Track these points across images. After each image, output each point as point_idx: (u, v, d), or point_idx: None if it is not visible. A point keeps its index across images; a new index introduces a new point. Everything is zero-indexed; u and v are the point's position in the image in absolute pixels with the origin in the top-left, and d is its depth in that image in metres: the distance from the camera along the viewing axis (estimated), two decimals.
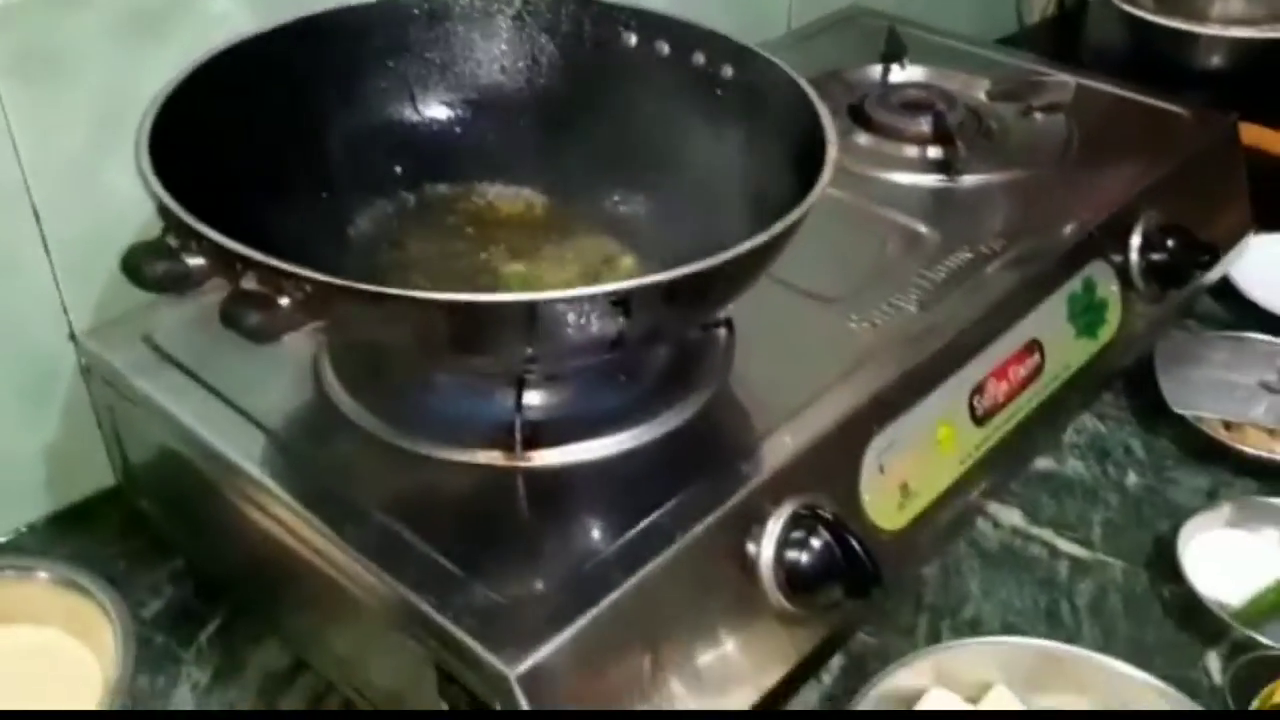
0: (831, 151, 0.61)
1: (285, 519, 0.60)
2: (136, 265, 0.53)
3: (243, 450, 0.63)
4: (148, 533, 0.77)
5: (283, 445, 0.64)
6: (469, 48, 0.77)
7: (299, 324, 0.51)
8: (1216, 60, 1.30)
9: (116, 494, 0.80)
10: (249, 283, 0.51)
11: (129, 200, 0.69)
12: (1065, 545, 0.81)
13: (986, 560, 0.79)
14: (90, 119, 0.71)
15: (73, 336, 0.75)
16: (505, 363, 0.58)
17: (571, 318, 0.51)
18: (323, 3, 0.74)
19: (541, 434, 0.63)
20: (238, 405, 0.66)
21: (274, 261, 0.50)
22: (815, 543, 0.61)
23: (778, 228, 0.55)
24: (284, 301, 0.50)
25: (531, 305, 0.50)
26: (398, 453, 0.63)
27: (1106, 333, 0.86)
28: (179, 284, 0.53)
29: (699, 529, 0.59)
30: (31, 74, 0.68)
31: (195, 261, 0.53)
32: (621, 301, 0.52)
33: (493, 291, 0.66)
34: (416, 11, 0.75)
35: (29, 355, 0.74)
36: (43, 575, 0.67)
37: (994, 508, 0.82)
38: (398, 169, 0.76)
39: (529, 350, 0.53)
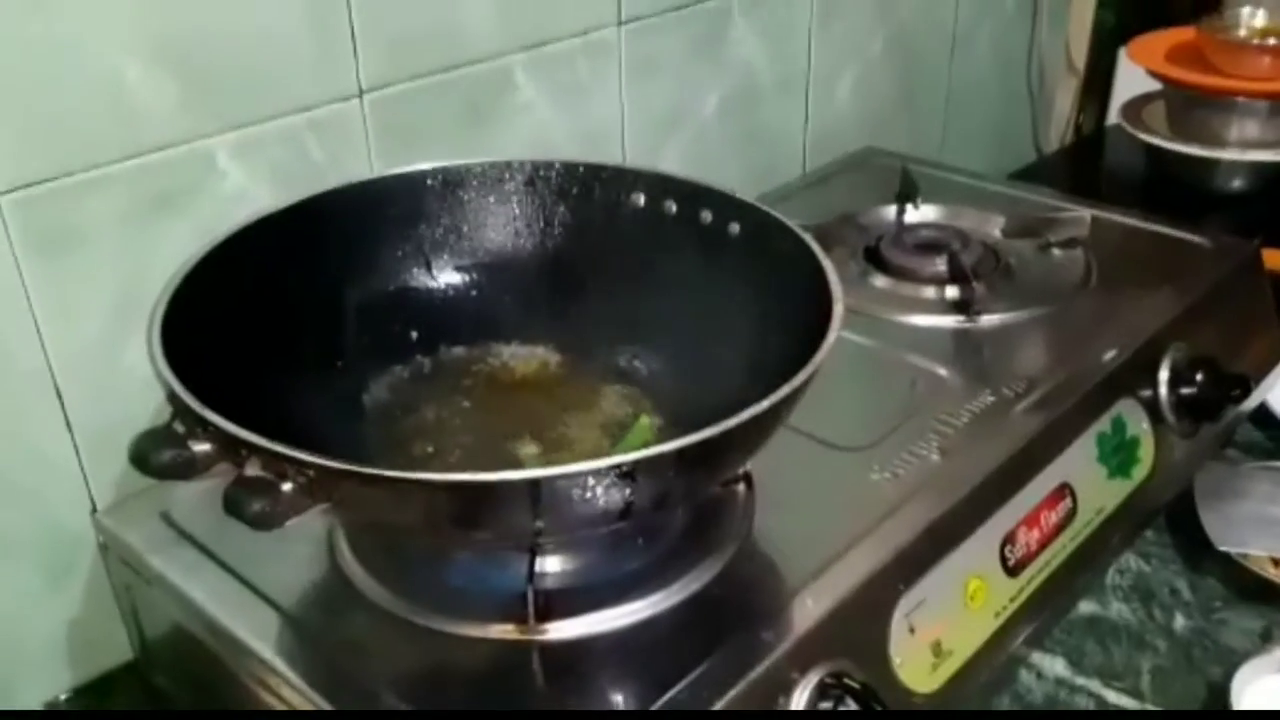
0: (838, 309, 0.61)
1: (296, 703, 0.59)
2: (143, 454, 0.53)
3: (254, 630, 0.62)
4: (170, 707, 0.76)
5: (295, 623, 0.63)
6: (482, 213, 0.78)
7: (303, 508, 0.51)
8: (1237, 184, 1.30)
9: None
10: (253, 468, 0.51)
11: (149, 380, 0.69)
12: (1114, 696, 0.78)
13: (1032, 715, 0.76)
14: (110, 300, 0.72)
15: (95, 512, 0.75)
16: (513, 538, 0.57)
17: (577, 492, 0.51)
18: (338, 176, 0.77)
19: (556, 604, 0.61)
20: (251, 582, 0.65)
21: (274, 446, 0.50)
22: (844, 713, 0.59)
23: (783, 391, 0.54)
24: (286, 487, 0.50)
25: (535, 482, 0.49)
26: (410, 628, 0.62)
27: (1140, 471, 0.84)
28: (185, 471, 0.53)
29: (722, 704, 0.56)
30: (53, 255, 0.69)
31: (201, 447, 0.53)
32: (628, 473, 0.51)
33: (511, 459, 0.65)
34: (430, 182, 0.77)
35: (52, 531, 0.74)
36: None
37: (1036, 657, 0.79)
38: (413, 334, 0.76)
39: (537, 524, 0.52)
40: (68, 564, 0.76)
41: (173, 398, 0.54)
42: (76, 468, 0.75)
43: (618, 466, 0.50)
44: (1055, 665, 0.80)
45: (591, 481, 0.50)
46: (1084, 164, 1.50)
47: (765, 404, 0.54)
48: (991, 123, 1.45)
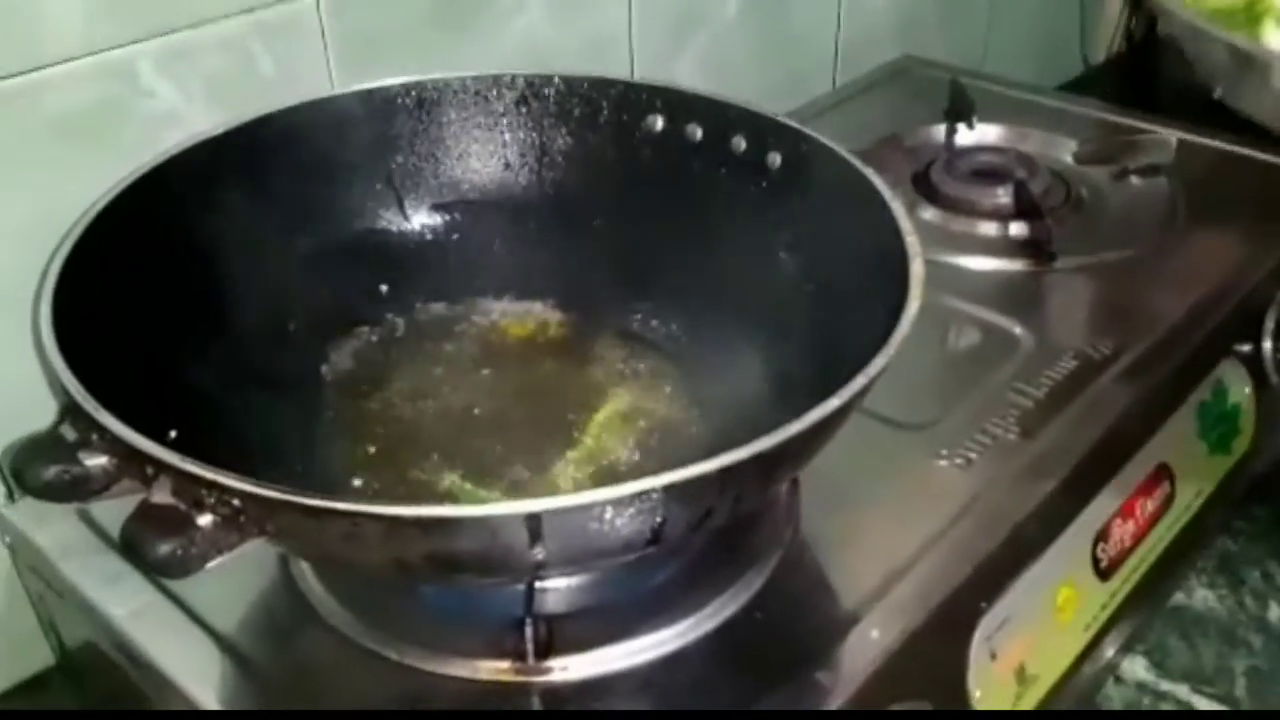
0: (917, 268, 0.48)
1: None
2: (19, 469, 0.40)
3: (186, 662, 0.51)
4: None
5: (235, 653, 0.51)
6: (465, 140, 0.66)
7: (228, 546, 0.38)
8: None
9: None
10: (162, 493, 0.38)
11: None
12: (1204, 704, 0.67)
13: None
14: (14, 245, 0.59)
15: (11, 497, 0.63)
16: (506, 576, 0.45)
17: (592, 525, 0.38)
18: (290, 93, 0.64)
19: (561, 636, 0.50)
20: (183, 601, 0.53)
21: (186, 465, 0.37)
22: None
23: (855, 386, 0.42)
24: (204, 520, 0.37)
25: (535, 516, 0.37)
26: (380, 663, 0.50)
27: (1241, 444, 0.72)
28: (75, 492, 0.41)
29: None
30: None
31: (96, 461, 0.40)
32: (658, 499, 0.38)
33: (504, 460, 0.53)
34: (402, 100, 0.65)
35: None
36: None
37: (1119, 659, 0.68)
38: (383, 288, 0.65)
39: (536, 558, 0.40)
40: None
41: (62, 392, 0.42)
42: None
43: (645, 494, 0.38)
44: (1135, 667, 0.69)
45: (610, 513, 0.38)
46: (1137, 76, 1.36)
47: (835, 402, 0.41)
48: (1036, 28, 1.31)
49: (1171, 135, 0.85)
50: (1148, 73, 1.36)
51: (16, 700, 0.68)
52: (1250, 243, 0.78)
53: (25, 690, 0.68)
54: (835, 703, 0.48)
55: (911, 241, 0.50)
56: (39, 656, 0.68)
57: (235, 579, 0.54)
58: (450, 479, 0.55)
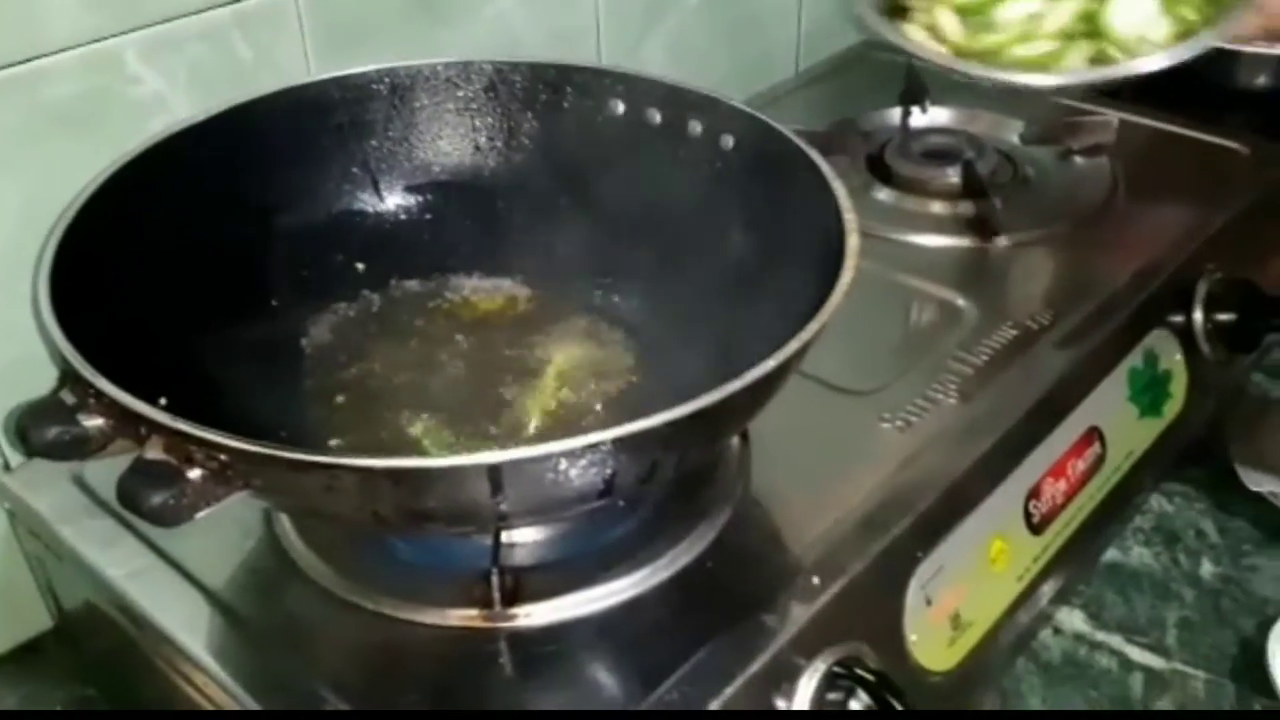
0: (852, 242, 0.52)
1: (224, 704, 0.51)
2: (23, 430, 0.44)
3: (177, 616, 0.54)
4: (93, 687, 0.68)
5: (224, 607, 0.55)
6: (437, 124, 0.68)
7: (216, 497, 0.42)
8: (1262, 80, 1.20)
9: None
10: (155, 450, 0.42)
11: None
12: (1137, 654, 0.71)
13: (1049, 675, 0.69)
14: (7, 226, 0.62)
15: (7, 467, 0.67)
16: (472, 525, 0.49)
17: (548, 476, 0.42)
18: (269, 79, 0.67)
19: (526, 585, 0.53)
20: (174, 559, 0.57)
21: (176, 423, 0.41)
22: (855, 706, 0.51)
23: (791, 348, 0.46)
24: (194, 474, 0.41)
25: (495, 467, 0.41)
26: (357, 612, 0.54)
27: (1172, 408, 0.76)
28: (74, 450, 0.44)
29: (719, 702, 0.49)
30: None
31: (94, 422, 0.44)
32: (608, 452, 0.42)
33: (474, 417, 0.57)
34: (376, 86, 0.67)
35: None
36: None
37: (1052, 610, 0.72)
38: (359, 266, 0.68)
39: (500, 509, 0.44)
40: None
41: (59, 360, 0.45)
42: None
43: (595, 446, 0.41)
44: (1074, 619, 0.73)
45: (564, 464, 0.42)
46: None
47: (770, 364, 0.45)
48: None
49: (1113, 116, 0.89)
50: None
51: (12, 665, 0.72)
52: (1185, 218, 0.82)
53: (23, 652, 0.71)
54: (780, 641, 0.51)
55: (849, 219, 0.53)
56: (36, 621, 0.71)
57: (224, 539, 0.58)
58: (418, 428, 0.59)
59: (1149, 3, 0.77)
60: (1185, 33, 0.77)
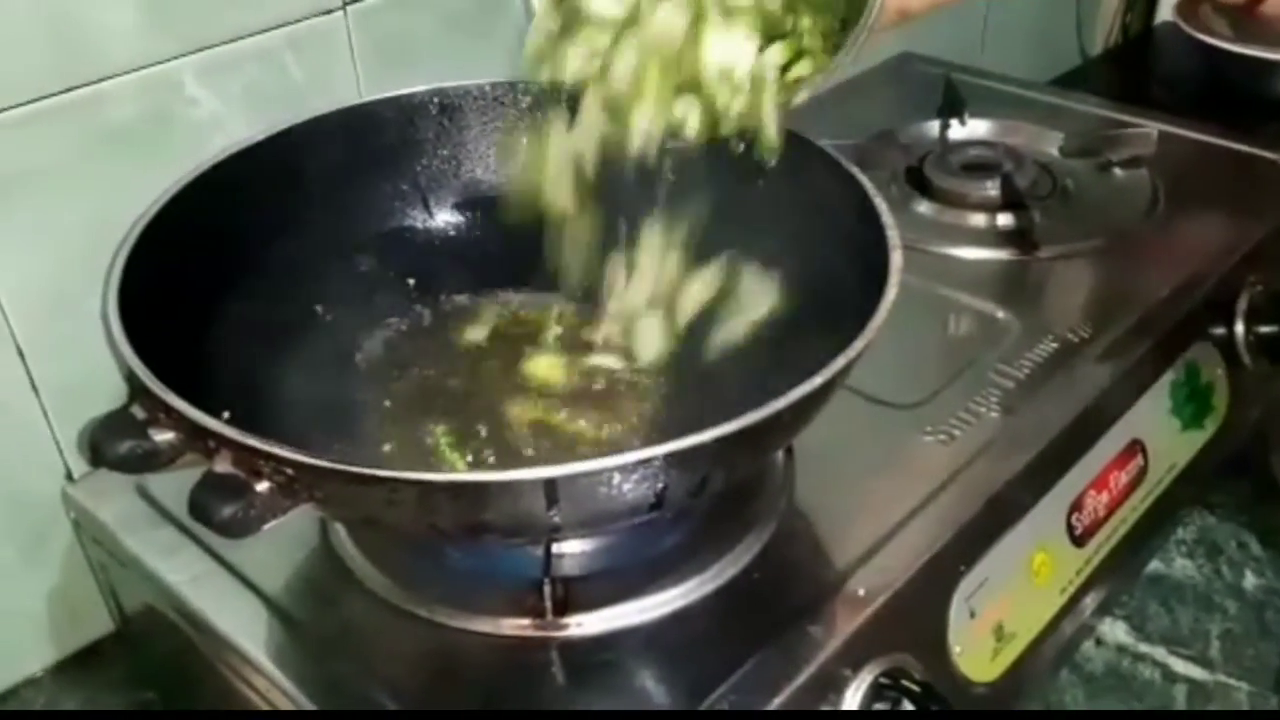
0: (895, 259, 0.53)
1: (283, 706, 0.53)
2: (97, 444, 0.46)
3: (238, 622, 0.56)
4: (152, 689, 0.70)
5: (283, 614, 0.56)
6: (485, 142, 0.70)
7: (283, 509, 0.43)
8: None
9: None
10: (224, 463, 0.43)
11: None
12: (1180, 666, 0.72)
13: (1092, 686, 0.70)
14: (70, 246, 0.64)
15: (70, 477, 0.69)
16: (526, 537, 0.50)
17: (601, 490, 0.43)
18: (320, 99, 0.69)
19: (577, 595, 0.55)
20: (235, 567, 0.59)
21: (246, 439, 0.42)
22: (901, 713, 0.52)
23: (837, 365, 0.46)
24: (262, 486, 0.43)
25: (551, 482, 0.42)
26: (412, 620, 0.55)
27: (1214, 421, 0.76)
28: (146, 463, 0.46)
29: (767, 711, 0.50)
30: (6, 199, 0.62)
31: (164, 436, 0.45)
32: (659, 466, 0.43)
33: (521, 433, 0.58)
34: (426, 105, 0.69)
35: (23, 501, 0.68)
36: None
37: (1097, 621, 0.73)
38: (410, 282, 0.69)
39: (553, 522, 0.45)
40: (43, 534, 0.70)
41: (130, 377, 0.47)
42: (46, 431, 0.68)
43: (648, 461, 0.43)
44: (1116, 631, 0.74)
45: (617, 478, 0.43)
46: (1132, 68, 1.39)
47: (817, 380, 0.46)
48: (1034, 22, 1.34)
49: (1153, 128, 0.89)
50: (1143, 64, 1.39)
51: (71, 671, 0.73)
52: (1225, 230, 0.82)
53: (84, 656, 0.73)
54: (826, 653, 0.52)
55: (892, 235, 0.54)
56: (97, 626, 0.73)
57: (281, 548, 0.60)
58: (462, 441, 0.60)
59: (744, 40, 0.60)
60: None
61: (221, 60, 0.67)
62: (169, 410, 0.45)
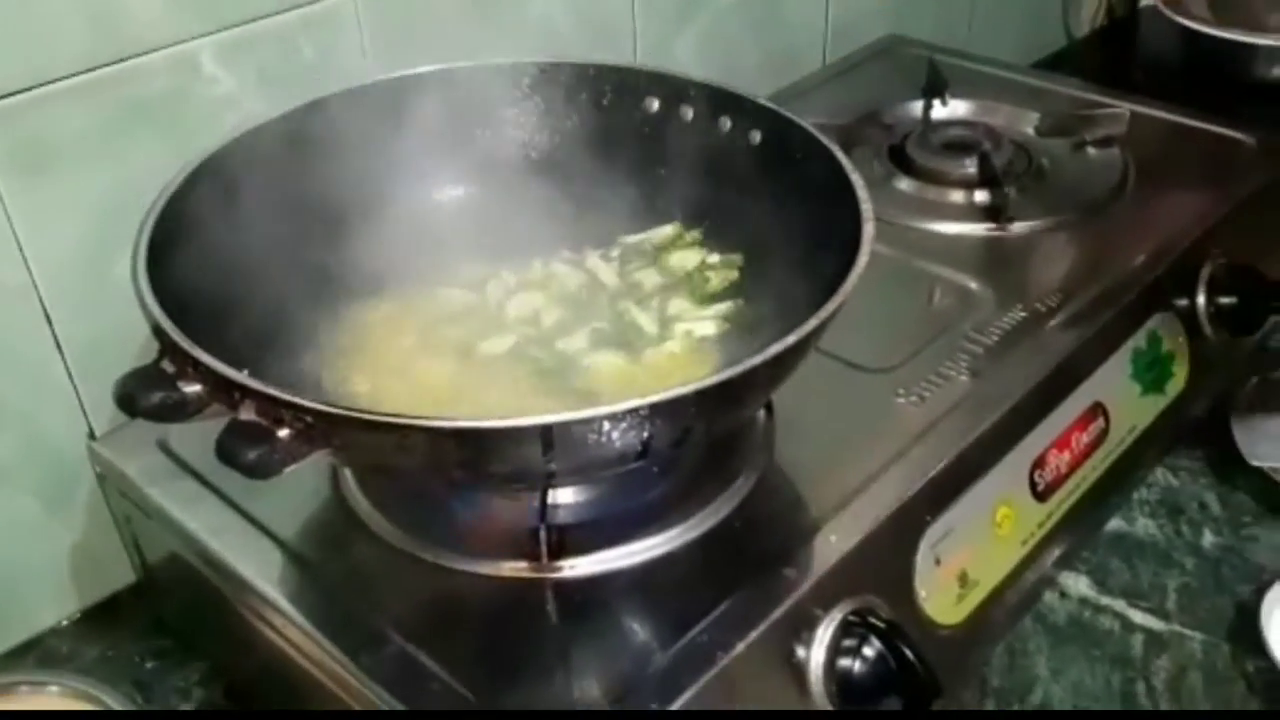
0: (868, 230, 0.57)
1: (299, 642, 0.57)
2: (129, 396, 0.50)
3: (256, 565, 0.60)
4: (173, 638, 0.74)
5: (298, 558, 0.61)
6: (487, 121, 0.73)
7: (302, 454, 0.48)
8: (1277, 72, 1.24)
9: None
10: (248, 412, 0.48)
11: None
12: (1139, 617, 0.76)
13: (1054, 636, 0.74)
14: (95, 212, 0.68)
15: (92, 435, 0.73)
16: (524, 481, 0.55)
17: (592, 437, 0.48)
18: (330, 77, 0.72)
19: (570, 540, 0.59)
20: (252, 515, 0.63)
21: (269, 390, 0.47)
22: (868, 652, 0.57)
23: (809, 326, 0.51)
24: (284, 433, 0.47)
25: (548, 428, 0.46)
26: (418, 564, 0.60)
27: (1175, 387, 0.80)
28: (175, 413, 0.50)
29: (744, 645, 0.54)
30: (32, 168, 0.65)
31: (192, 388, 0.50)
32: (645, 416, 0.48)
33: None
34: (431, 85, 0.72)
35: (48, 457, 0.72)
36: (54, 690, 0.65)
37: (1060, 575, 0.77)
38: (416, 254, 0.72)
39: (549, 467, 0.49)
40: (66, 489, 0.74)
41: (159, 333, 0.51)
42: (70, 390, 0.72)
43: (635, 410, 0.47)
44: (1079, 584, 0.78)
45: (607, 426, 0.47)
46: (1116, 50, 1.43)
47: (790, 339, 0.50)
48: (1021, 5, 1.37)
49: (1126, 109, 0.92)
50: (1126, 47, 1.43)
51: (94, 620, 0.77)
52: (1191, 206, 0.86)
53: (103, 608, 0.77)
54: (799, 591, 0.57)
55: (866, 208, 0.58)
56: (117, 578, 0.77)
57: (296, 499, 0.64)
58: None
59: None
60: None
61: (239, 40, 0.71)
62: (197, 365, 0.49)
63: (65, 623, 0.76)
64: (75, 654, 0.74)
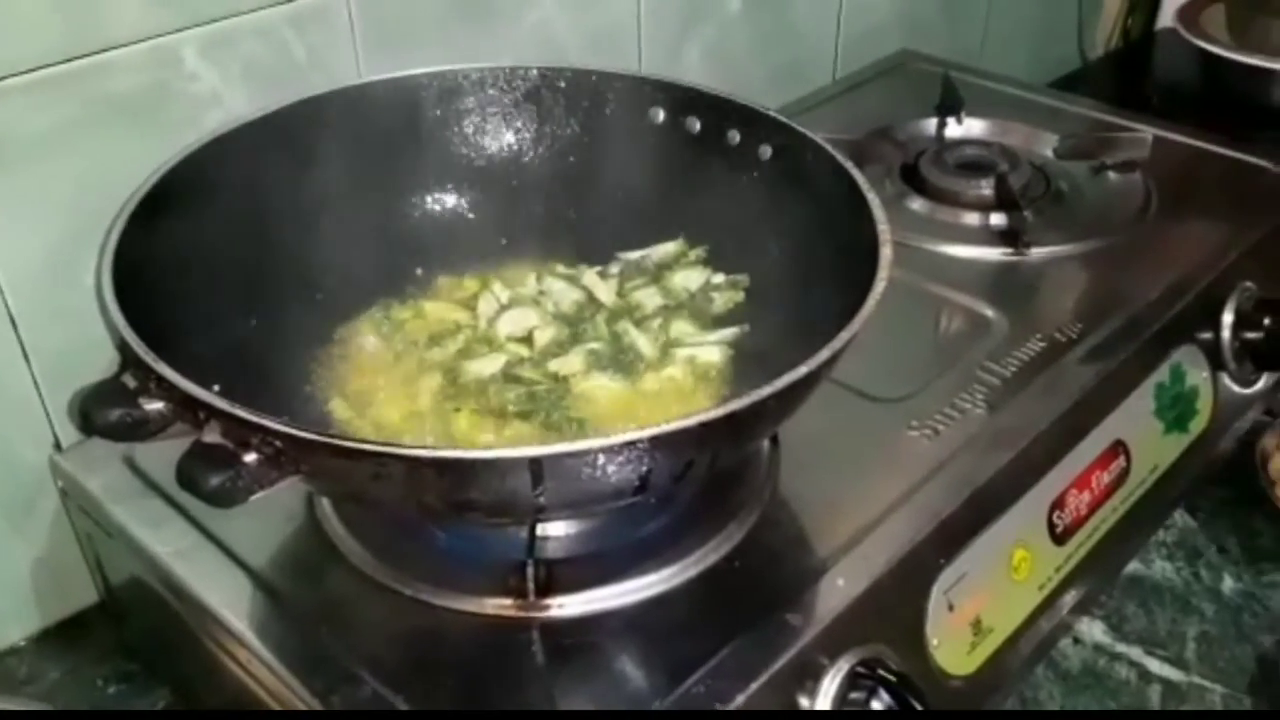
0: (885, 253, 0.53)
1: (265, 680, 0.53)
2: (87, 412, 0.46)
3: (223, 595, 0.57)
4: (137, 661, 0.71)
5: (268, 589, 0.57)
6: (483, 127, 0.70)
7: (269, 481, 0.44)
8: None
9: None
10: (213, 434, 0.44)
11: None
12: (1156, 666, 0.72)
13: (1067, 684, 0.70)
14: (66, 215, 0.65)
15: (58, 446, 0.69)
16: (510, 516, 0.51)
17: (585, 471, 0.44)
18: (321, 77, 0.69)
19: (559, 577, 0.55)
20: (221, 540, 0.59)
21: (235, 410, 0.43)
22: (877, 706, 0.53)
23: (821, 356, 0.47)
24: (250, 457, 0.43)
25: (537, 460, 0.42)
26: (396, 598, 0.56)
27: (1198, 424, 0.77)
28: (135, 432, 0.46)
29: (744, 697, 0.51)
30: (5, 166, 0.62)
31: (154, 406, 0.46)
32: (644, 450, 0.44)
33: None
34: (425, 89, 0.69)
35: (10, 468, 0.68)
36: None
37: (1075, 621, 0.73)
38: (402, 259, 0.69)
39: (538, 502, 0.46)
40: (29, 502, 0.70)
41: (123, 347, 0.47)
42: (36, 399, 0.68)
43: (633, 443, 0.43)
44: (1094, 630, 0.74)
45: (602, 459, 0.43)
46: (1132, 73, 1.40)
47: (802, 370, 0.46)
48: (1035, 24, 1.35)
49: (1148, 133, 0.89)
50: (1142, 69, 1.40)
51: (56, 640, 0.73)
52: (1216, 236, 0.82)
53: (68, 626, 0.73)
54: (804, 640, 0.53)
55: (883, 230, 0.55)
56: (81, 597, 0.73)
57: (267, 522, 0.60)
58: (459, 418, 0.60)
59: None
60: None
61: (222, 35, 0.68)
62: (160, 380, 0.45)
63: (25, 641, 0.72)
64: (34, 675, 0.71)
